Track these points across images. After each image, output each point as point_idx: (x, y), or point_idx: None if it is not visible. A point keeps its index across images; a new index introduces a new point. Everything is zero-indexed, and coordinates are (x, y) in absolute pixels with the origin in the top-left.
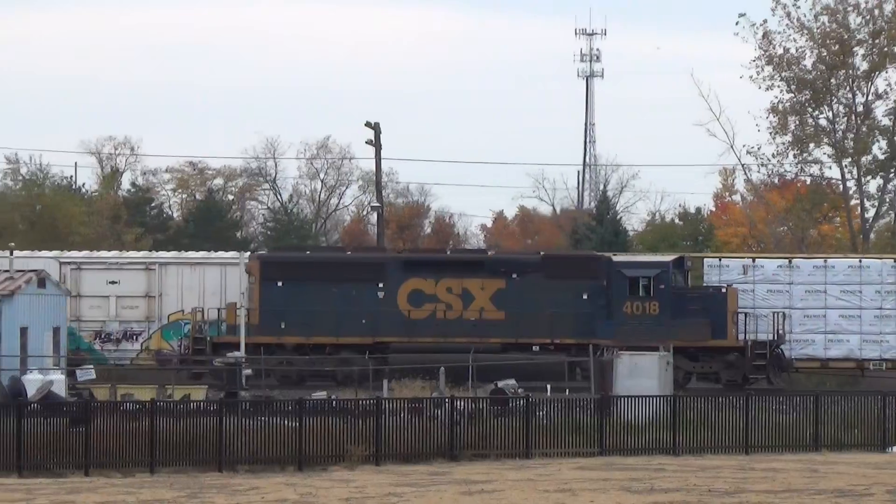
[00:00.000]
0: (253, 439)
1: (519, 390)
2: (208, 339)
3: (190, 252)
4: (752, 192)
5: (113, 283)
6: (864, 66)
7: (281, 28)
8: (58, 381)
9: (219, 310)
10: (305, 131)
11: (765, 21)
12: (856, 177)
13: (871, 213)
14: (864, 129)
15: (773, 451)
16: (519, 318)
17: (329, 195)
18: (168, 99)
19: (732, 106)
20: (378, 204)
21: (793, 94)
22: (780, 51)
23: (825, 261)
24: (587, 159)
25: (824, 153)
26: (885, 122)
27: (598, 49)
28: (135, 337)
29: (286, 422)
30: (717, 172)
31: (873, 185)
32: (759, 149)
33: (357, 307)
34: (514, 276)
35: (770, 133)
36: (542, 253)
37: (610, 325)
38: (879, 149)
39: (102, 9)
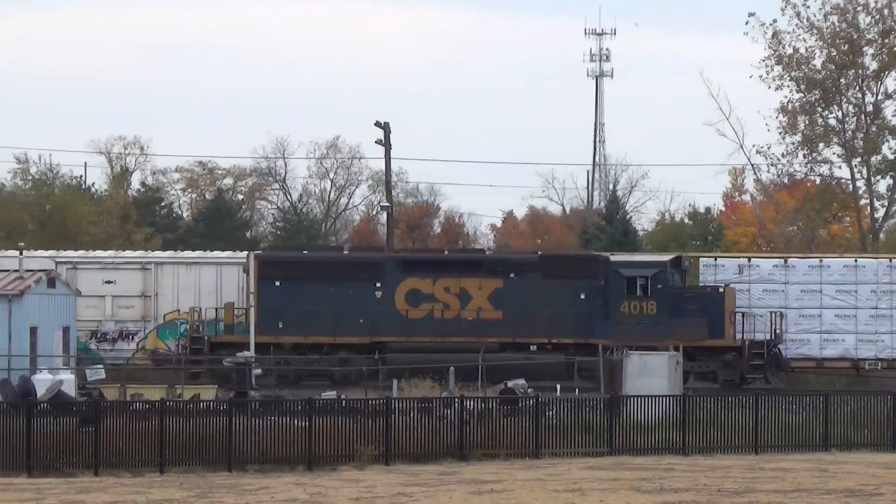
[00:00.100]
0: (262, 439)
1: (529, 390)
2: (206, 338)
3: (186, 252)
4: (762, 192)
5: (109, 282)
6: (874, 65)
7: (287, 28)
8: (67, 380)
9: (216, 309)
10: (315, 131)
11: (774, 21)
12: (865, 176)
13: (880, 213)
14: (873, 128)
15: (783, 450)
16: (516, 318)
17: (339, 195)
18: (177, 99)
19: (742, 106)
20: (388, 204)
21: (802, 94)
22: (790, 50)
23: (821, 260)
24: (597, 159)
25: (834, 153)
26: (895, 121)
27: (607, 49)
28: (131, 337)
29: (296, 421)
30: (726, 172)
31: (883, 184)
32: (768, 148)
33: (355, 307)
34: (512, 275)
35: (780, 133)
36: (539, 253)
37: (607, 324)
38: (889, 148)
39: (105, 9)
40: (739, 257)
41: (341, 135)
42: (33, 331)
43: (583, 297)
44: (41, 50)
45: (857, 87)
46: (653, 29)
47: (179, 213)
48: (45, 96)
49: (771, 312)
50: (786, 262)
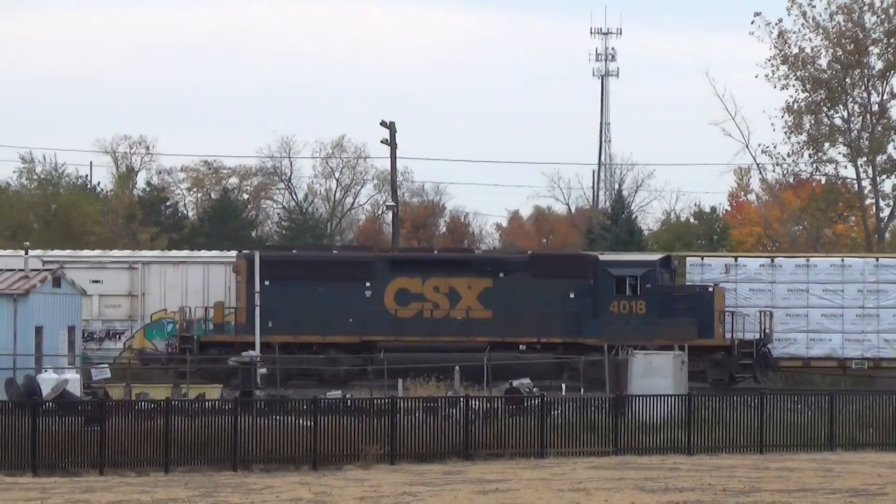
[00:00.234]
0: (267, 438)
1: (534, 389)
2: (195, 338)
3: (173, 251)
4: (767, 192)
5: (96, 282)
6: (880, 65)
7: (291, 27)
8: (73, 380)
9: (205, 308)
10: (321, 130)
11: (780, 20)
12: (871, 176)
13: (886, 213)
14: (879, 128)
15: (788, 450)
16: (506, 318)
17: (344, 194)
18: (183, 98)
19: (747, 105)
20: (393, 203)
21: (808, 94)
22: (796, 50)
23: (807, 260)
24: (602, 158)
25: (839, 152)
26: None
27: (613, 48)
28: (118, 336)
29: (301, 421)
30: (732, 172)
31: (888, 184)
32: (774, 148)
33: (344, 306)
34: (501, 275)
35: (785, 132)
36: (528, 252)
37: (597, 324)
38: (894, 148)
39: (105, 9)
40: (726, 256)
41: (347, 134)
42: (38, 330)
43: (572, 296)
44: (43, 50)
45: (863, 87)
46: (658, 28)
47: (185, 212)
48: (49, 96)
49: (760, 312)
50: (772, 261)
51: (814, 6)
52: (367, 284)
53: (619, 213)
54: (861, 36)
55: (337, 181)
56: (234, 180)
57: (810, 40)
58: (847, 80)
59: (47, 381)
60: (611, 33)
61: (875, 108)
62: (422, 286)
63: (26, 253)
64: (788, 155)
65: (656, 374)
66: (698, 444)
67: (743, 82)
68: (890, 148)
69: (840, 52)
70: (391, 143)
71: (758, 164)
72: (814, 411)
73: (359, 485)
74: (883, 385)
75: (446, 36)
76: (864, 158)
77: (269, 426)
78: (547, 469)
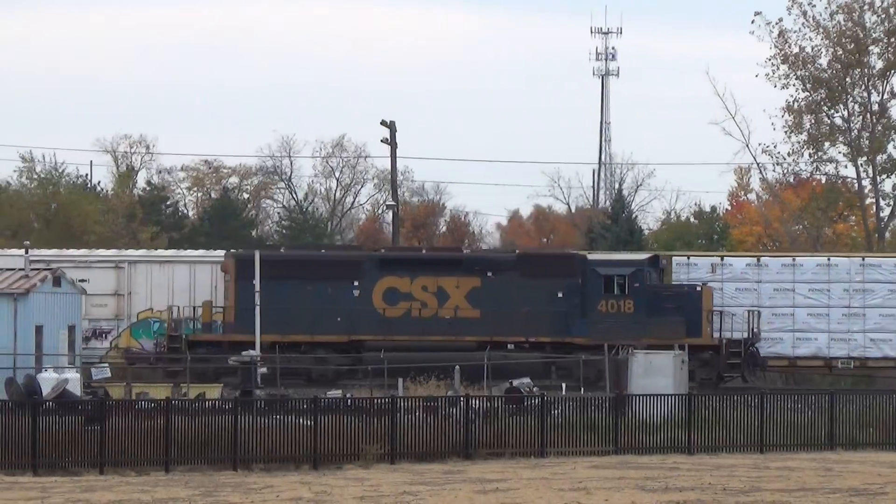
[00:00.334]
0: (268, 438)
1: (534, 389)
2: (184, 337)
3: (159, 250)
4: (768, 191)
5: (82, 281)
6: (880, 64)
7: (291, 26)
8: (73, 379)
9: (193, 307)
10: (321, 130)
11: (780, 20)
12: (871, 176)
13: (886, 212)
14: (879, 127)
15: (788, 449)
16: (494, 317)
17: (344, 194)
18: (183, 98)
19: (748, 104)
20: (393, 202)
21: (808, 93)
22: (796, 49)
23: (793, 259)
24: (602, 158)
25: (839, 152)
26: None
27: (613, 47)
28: (104, 335)
29: (301, 420)
30: (732, 171)
31: (888, 183)
32: (774, 147)
33: (332, 305)
34: (490, 274)
35: (785, 132)
36: (516, 251)
37: (585, 323)
38: (895, 147)
39: (105, 9)
40: (713, 256)
41: (347, 133)
42: (38, 329)
43: (560, 295)
44: (43, 50)
45: (863, 86)
46: (659, 28)
47: (185, 211)
48: (49, 95)
49: (748, 311)
50: (758, 260)
51: (814, 6)
52: (356, 284)
53: (620, 212)
54: (861, 35)
55: (337, 180)
56: (234, 180)
57: (810, 40)
58: (847, 79)
59: (47, 380)
60: (611, 33)
61: (875, 107)
62: (410, 285)
63: (26, 252)
64: (789, 154)
65: (657, 373)
66: (698, 443)
67: (743, 82)
68: (890, 147)
69: (840, 52)
70: (391, 142)
71: (758, 164)
72: (814, 411)
73: (359, 484)
74: (883, 384)
75: (446, 36)
76: (865, 158)
77: (270, 426)
78: (547, 468)
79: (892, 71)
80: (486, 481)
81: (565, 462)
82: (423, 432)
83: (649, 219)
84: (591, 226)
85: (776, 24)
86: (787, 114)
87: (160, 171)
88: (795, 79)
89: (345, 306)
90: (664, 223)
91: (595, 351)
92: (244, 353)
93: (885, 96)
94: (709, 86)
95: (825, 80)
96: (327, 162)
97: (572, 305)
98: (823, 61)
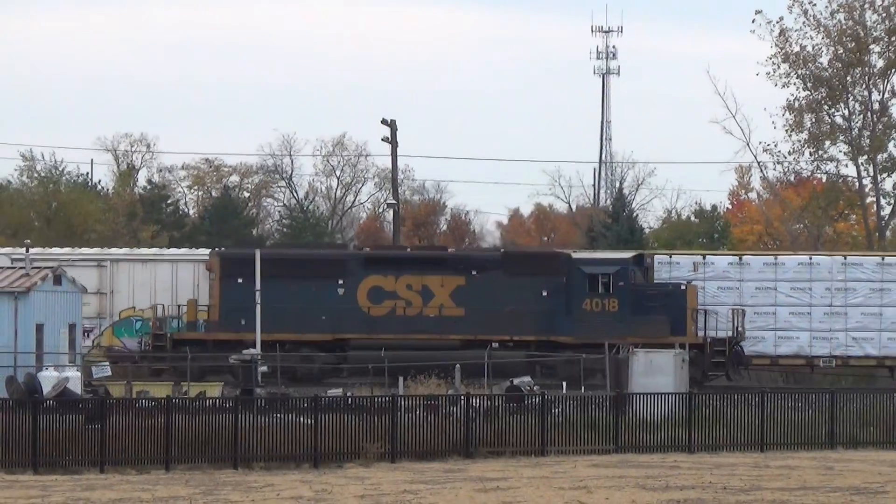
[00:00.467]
0: (268, 436)
1: (535, 387)
2: (168, 335)
3: (142, 248)
4: (768, 190)
5: None
6: (881, 63)
7: (292, 25)
8: (73, 377)
9: (178, 306)
10: (322, 129)
11: (781, 18)
12: (871, 174)
13: (886, 211)
14: (879, 126)
15: (789, 448)
16: (479, 315)
17: (345, 192)
18: (184, 96)
19: (748, 103)
20: (394, 201)
21: (809, 92)
22: (797, 48)
23: (775, 258)
24: (603, 157)
25: (840, 151)
26: None
27: (614, 46)
28: (86, 334)
29: (301, 419)
30: (733, 170)
31: (889, 182)
32: (775, 146)
33: (317, 304)
34: (474, 272)
35: (786, 130)
36: (501, 250)
37: (570, 321)
38: (895, 146)
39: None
40: (694, 254)
41: (348, 132)
42: (39, 328)
43: (545, 294)
44: (43, 49)
45: (864, 85)
46: (659, 27)
47: (186, 210)
48: (49, 94)
49: (732, 310)
50: (740, 259)
51: (815, 4)
52: (340, 282)
53: (620, 211)
54: (862, 34)
55: (338, 179)
56: (234, 178)
57: (811, 38)
58: (848, 78)
59: (48, 378)
60: (612, 31)
61: (876, 106)
62: (395, 284)
63: (27, 251)
64: (789, 153)
65: (657, 372)
66: (699, 442)
67: (744, 80)
68: (891, 146)
69: (841, 51)
70: (392, 141)
71: (759, 163)
72: (814, 410)
73: (359, 483)
74: (884, 383)
75: (447, 34)
76: (865, 157)
77: (270, 424)
78: (547, 467)
79: (893, 70)
80: (487, 480)
81: (566, 461)
82: (424, 431)
83: (650, 217)
84: (591, 225)
85: (777, 22)
86: (787, 112)
87: (161, 170)
88: (796, 77)
89: (330, 305)
90: (665, 222)
91: (579, 350)
92: (244, 351)
93: (886, 95)
94: (709, 84)
95: (826, 78)
96: (328, 160)
97: (557, 304)
98: (824, 60)
